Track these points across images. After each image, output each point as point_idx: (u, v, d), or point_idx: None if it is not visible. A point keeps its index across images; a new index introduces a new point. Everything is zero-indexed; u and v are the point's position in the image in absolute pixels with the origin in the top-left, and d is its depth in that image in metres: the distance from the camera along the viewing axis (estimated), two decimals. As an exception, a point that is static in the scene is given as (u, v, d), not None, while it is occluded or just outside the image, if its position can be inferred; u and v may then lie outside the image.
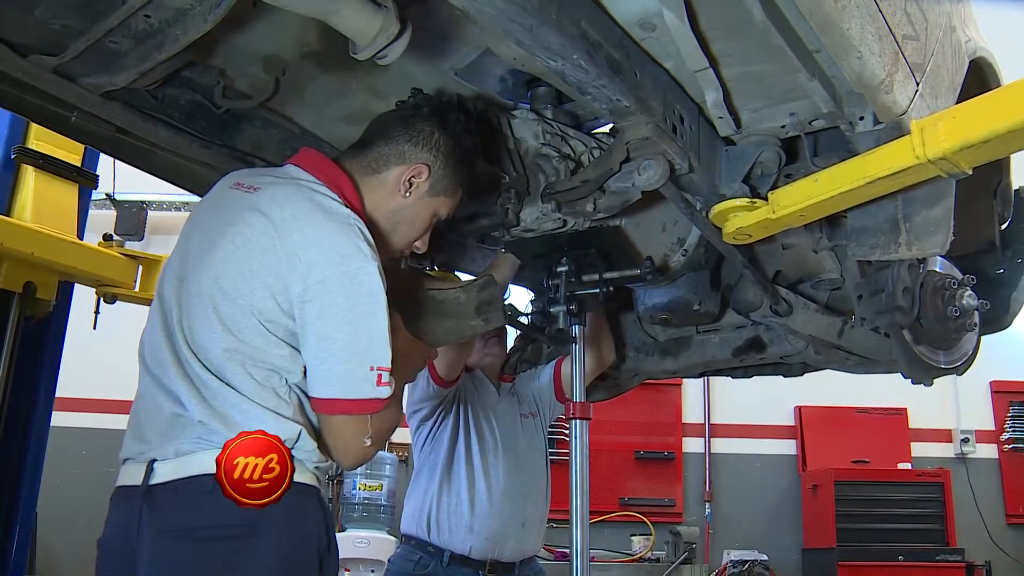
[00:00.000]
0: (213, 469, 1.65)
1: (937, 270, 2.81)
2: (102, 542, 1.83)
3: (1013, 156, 2.59)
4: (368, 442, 1.81)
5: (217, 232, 1.84)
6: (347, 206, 1.85)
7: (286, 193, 1.85)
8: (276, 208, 1.80)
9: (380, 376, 1.75)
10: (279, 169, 2.00)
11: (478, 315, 2.33)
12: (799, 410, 8.50)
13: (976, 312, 2.82)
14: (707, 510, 8.23)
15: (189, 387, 1.73)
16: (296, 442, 1.74)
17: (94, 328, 4.61)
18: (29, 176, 3.95)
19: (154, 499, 1.70)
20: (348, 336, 1.74)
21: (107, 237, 4.62)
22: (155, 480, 1.70)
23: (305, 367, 1.78)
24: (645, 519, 7.43)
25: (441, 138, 2.02)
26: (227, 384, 1.72)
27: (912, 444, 8.40)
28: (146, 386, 1.83)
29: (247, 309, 1.75)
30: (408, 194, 2.01)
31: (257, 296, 1.75)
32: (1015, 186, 3.19)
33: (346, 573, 6.35)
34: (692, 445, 8.52)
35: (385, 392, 1.76)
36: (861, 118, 2.04)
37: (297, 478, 1.72)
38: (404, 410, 3.34)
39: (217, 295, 1.77)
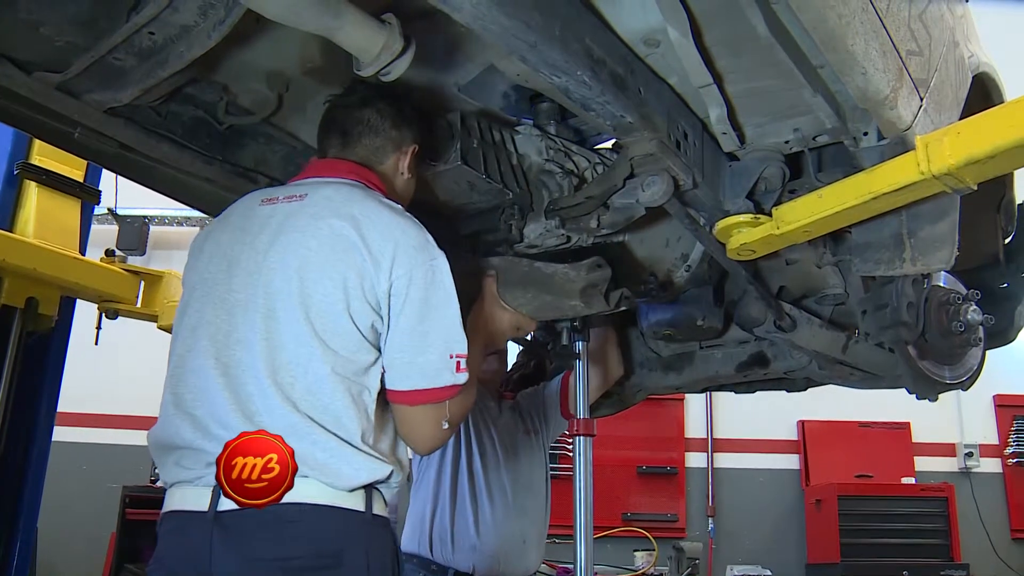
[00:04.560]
0: (296, 499, 1.65)
1: (941, 285, 2.80)
2: (160, 573, 1.75)
3: (1016, 171, 2.59)
4: (445, 426, 1.85)
5: (280, 243, 1.80)
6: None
7: (342, 193, 1.86)
8: (345, 207, 1.80)
9: (459, 363, 1.80)
10: (305, 181, 1.97)
11: (581, 296, 2.33)
12: (802, 424, 8.47)
13: (981, 327, 2.81)
14: (710, 525, 8.19)
15: (251, 419, 1.69)
16: (387, 479, 1.76)
17: (96, 343, 4.62)
18: (32, 192, 3.96)
19: (229, 526, 1.65)
20: (429, 328, 1.78)
21: (109, 252, 4.63)
22: (226, 506, 1.66)
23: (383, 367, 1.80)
24: (648, 534, 7.38)
25: (404, 108, 2.08)
26: (311, 419, 1.68)
27: (916, 458, 8.37)
28: (177, 413, 1.76)
29: (343, 315, 1.73)
30: (410, 174, 2.09)
31: (350, 296, 1.74)
32: (1018, 200, 3.19)
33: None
34: (695, 460, 8.49)
35: (463, 378, 1.81)
36: (865, 134, 2.03)
37: (376, 511, 1.74)
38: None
39: (308, 304, 1.73)
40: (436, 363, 1.78)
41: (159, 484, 1.86)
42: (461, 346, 1.81)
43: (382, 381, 1.81)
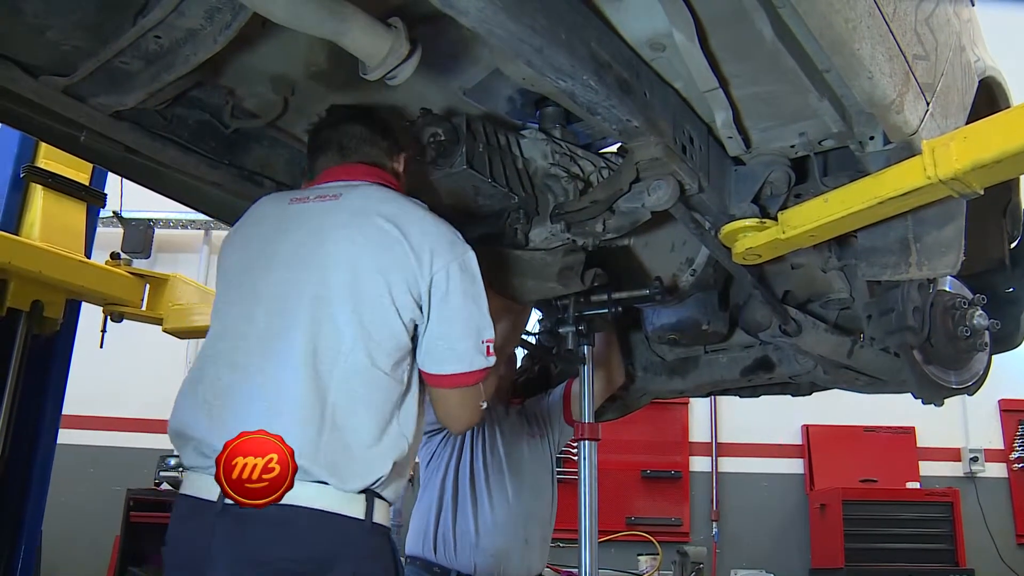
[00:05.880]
0: (302, 502, 1.67)
1: (947, 290, 2.79)
2: (171, 553, 1.80)
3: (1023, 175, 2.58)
4: (484, 405, 2.02)
5: (329, 238, 1.87)
6: None
7: (376, 192, 1.98)
8: (383, 205, 1.91)
9: (488, 347, 1.94)
10: (330, 184, 2.03)
11: (559, 278, 2.42)
12: (806, 429, 8.46)
13: (987, 331, 2.80)
14: (714, 529, 8.18)
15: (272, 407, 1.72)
16: (388, 484, 1.79)
17: (100, 347, 4.63)
18: (38, 195, 3.98)
19: (232, 522, 1.68)
20: (465, 317, 1.92)
21: (114, 255, 4.65)
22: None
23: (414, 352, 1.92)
24: (652, 538, 7.37)
25: (388, 120, 2.18)
26: (333, 414, 1.72)
27: (920, 463, 8.35)
28: (195, 403, 1.81)
29: (391, 308, 1.82)
30: (403, 183, 2.16)
31: (395, 291, 1.83)
32: (1024, 205, 3.18)
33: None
34: (699, 464, 8.48)
35: (492, 360, 1.96)
36: (871, 138, 2.03)
37: (376, 519, 1.76)
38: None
39: (359, 297, 1.81)
40: (471, 349, 1.91)
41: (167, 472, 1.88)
42: (490, 331, 1.95)
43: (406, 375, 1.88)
